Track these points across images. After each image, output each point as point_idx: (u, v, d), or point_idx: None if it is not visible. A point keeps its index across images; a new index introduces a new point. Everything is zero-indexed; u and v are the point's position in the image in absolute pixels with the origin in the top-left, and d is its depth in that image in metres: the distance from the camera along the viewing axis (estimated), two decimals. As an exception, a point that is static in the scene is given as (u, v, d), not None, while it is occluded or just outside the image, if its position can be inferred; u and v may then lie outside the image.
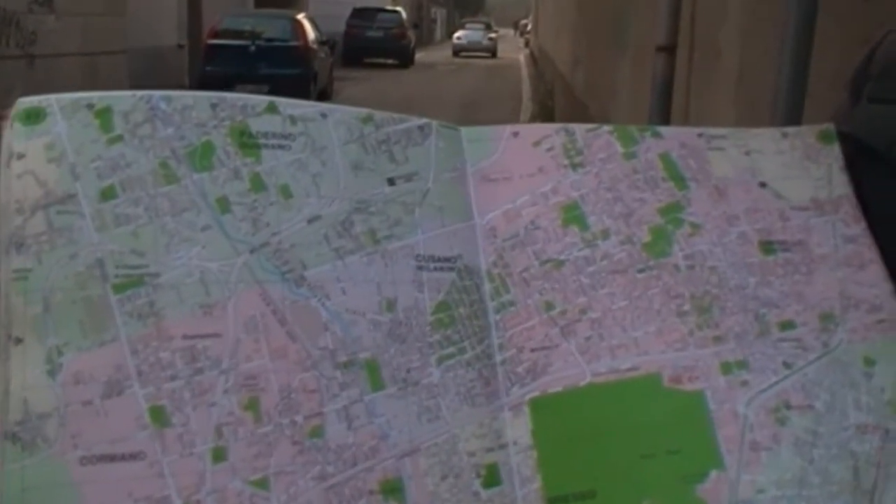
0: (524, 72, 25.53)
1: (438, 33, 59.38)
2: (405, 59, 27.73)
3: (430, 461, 0.57)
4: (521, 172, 0.65)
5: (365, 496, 0.55)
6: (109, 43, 10.81)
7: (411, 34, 29.64)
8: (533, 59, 28.25)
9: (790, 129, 0.72)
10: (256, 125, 0.59)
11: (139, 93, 0.58)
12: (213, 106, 0.58)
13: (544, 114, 14.22)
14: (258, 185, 0.58)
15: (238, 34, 14.38)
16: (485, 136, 0.66)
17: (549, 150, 0.67)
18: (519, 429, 0.59)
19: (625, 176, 0.67)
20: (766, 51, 2.18)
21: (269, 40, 14.37)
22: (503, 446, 0.59)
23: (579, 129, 0.68)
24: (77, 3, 10.08)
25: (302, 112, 0.61)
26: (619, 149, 0.68)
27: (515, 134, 0.67)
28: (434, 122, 0.65)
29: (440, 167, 0.64)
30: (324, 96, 15.49)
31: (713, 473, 0.59)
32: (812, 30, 1.97)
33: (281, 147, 0.59)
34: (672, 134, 0.69)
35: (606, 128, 0.69)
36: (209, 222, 0.56)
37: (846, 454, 0.60)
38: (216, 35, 14.32)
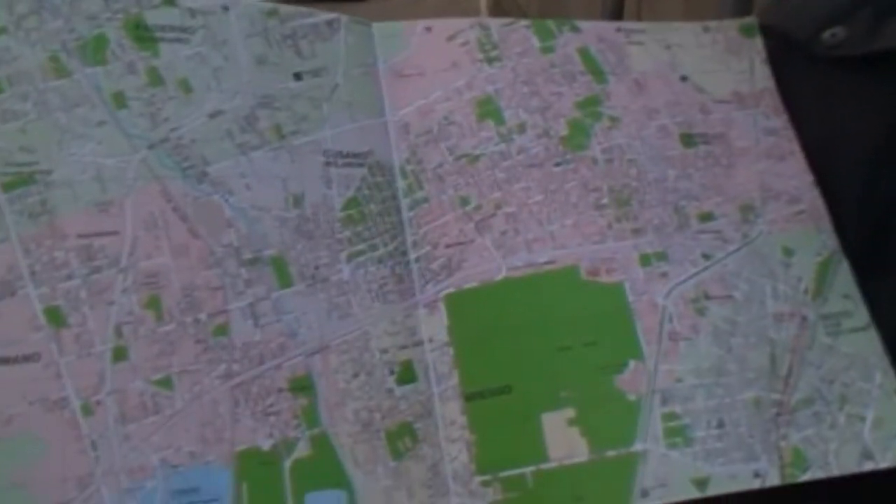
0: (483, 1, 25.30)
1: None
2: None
3: (340, 358, 0.56)
4: (435, 68, 0.64)
5: (273, 394, 0.54)
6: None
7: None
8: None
9: (712, 23, 0.70)
10: (153, 18, 0.57)
11: None
12: None
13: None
14: (156, 79, 0.56)
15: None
16: (397, 32, 0.64)
17: (464, 44, 0.65)
18: (434, 325, 0.58)
19: (542, 70, 0.65)
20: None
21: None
22: (418, 343, 0.58)
23: (494, 23, 0.66)
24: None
25: (202, 5, 0.58)
26: (536, 43, 0.66)
27: (428, 29, 0.65)
28: (343, 17, 0.63)
29: (350, 62, 0.62)
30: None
31: (631, 364, 0.58)
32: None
33: (179, 40, 0.57)
34: (590, 28, 0.68)
35: (523, 22, 0.67)
36: (104, 118, 0.54)
37: (764, 342, 0.60)
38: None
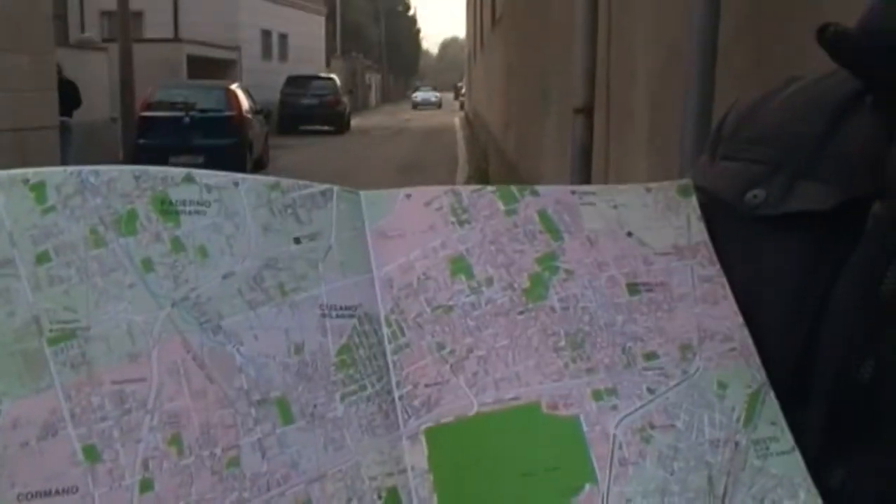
0: (459, 135, 25.80)
1: (374, 98, 59.75)
2: (340, 126, 27.91)
3: (336, 485, 0.64)
4: (414, 230, 0.74)
5: None
6: (40, 118, 10.77)
7: (346, 100, 29.87)
8: (468, 122, 28.63)
9: (653, 185, 0.81)
10: (175, 194, 0.67)
11: (70, 168, 0.65)
12: (137, 178, 0.66)
13: (479, 175, 14.42)
14: (178, 246, 0.66)
15: (171, 105, 14.41)
16: (382, 199, 0.75)
17: (439, 209, 0.75)
18: (416, 455, 0.67)
19: (506, 230, 0.75)
20: (671, 110, 2.31)
21: (203, 111, 14.41)
22: (402, 471, 0.66)
23: (465, 190, 0.77)
24: (6, 78, 10.05)
25: (216, 181, 0.69)
26: (501, 207, 0.76)
27: (408, 196, 0.75)
28: (335, 188, 0.73)
29: (341, 227, 0.72)
30: (259, 165, 15.56)
31: (587, 487, 0.67)
32: (712, 90, 2.11)
33: (198, 213, 0.67)
34: (548, 192, 0.78)
35: (489, 188, 0.77)
36: (134, 281, 0.64)
37: (702, 465, 0.68)
38: (148, 107, 14.33)
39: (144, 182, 0.66)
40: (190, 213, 0.67)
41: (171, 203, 0.67)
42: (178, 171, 0.68)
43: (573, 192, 0.79)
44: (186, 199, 0.67)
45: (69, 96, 12.42)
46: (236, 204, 0.69)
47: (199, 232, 0.67)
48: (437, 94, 60.25)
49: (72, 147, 12.18)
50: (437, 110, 51.86)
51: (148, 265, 0.64)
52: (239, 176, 0.70)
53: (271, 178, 0.71)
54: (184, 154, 12.79)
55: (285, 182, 0.72)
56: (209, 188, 0.68)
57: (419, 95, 58.50)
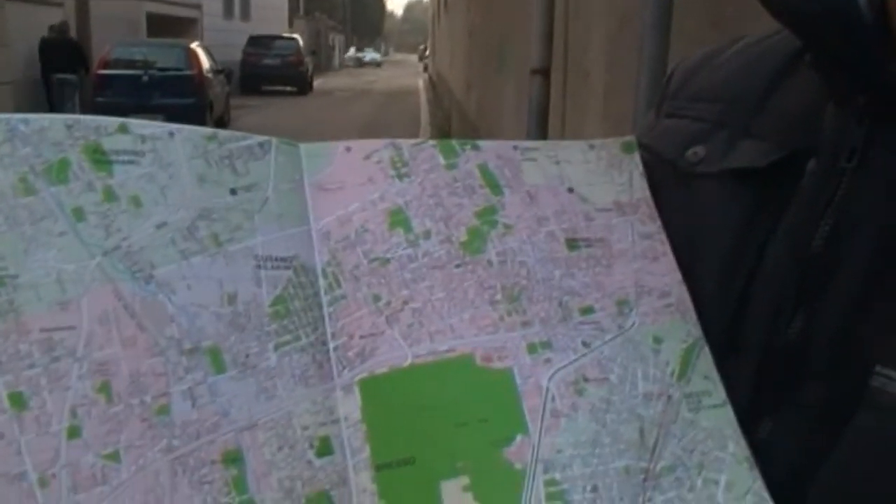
0: (423, 97, 25.70)
1: (337, 59, 59.33)
2: (303, 86, 27.73)
3: (267, 434, 0.64)
4: (353, 182, 0.74)
5: (207, 465, 0.62)
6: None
7: (309, 61, 29.65)
8: (431, 84, 28.52)
9: (596, 142, 0.81)
10: (109, 144, 0.66)
11: None
12: (69, 127, 0.65)
13: (441, 136, 14.42)
14: (110, 196, 0.65)
15: (130, 64, 14.21)
16: (321, 151, 0.74)
17: (378, 162, 0.75)
18: (349, 406, 0.67)
19: (446, 184, 0.75)
20: (627, 71, 2.31)
21: (162, 70, 14.23)
22: (335, 421, 0.67)
23: (405, 143, 0.77)
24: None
25: (151, 131, 0.68)
26: (441, 160, 0.76)
27: (348, 149, 0.75)
28: (274, 139, 0.73)
29: (279, 179, 0.71)
30: (220, 125, 15.42)
31: (518, 438, 0.68)
32: (666, 52, 2.11)
33: (131, 162, 0.66)
34: (490, 147, 0.78)
35: (430, 142, 0.77)
36: (65, 229, 0.63)
37: (634, 418, 0.69)
38: (106, 65, 14.11)
39: (77, 131, 0.66)
40: (123, 162, 0.66)
41: (104, 153, 0.66)
42: (112, 121, 0.67)
43: (515, 148, 0.79)
44: (120, 148, 0.66)
45: (63, 53, 12.84)
46: (171, 154, 0.68)
47: (133, 182, 0.66)
48: (380, 56, 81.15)
49: (68, 103, 12.89)
50: (396, 70, 62.49)
51: (79, 214, 0.64)
52: (175, 126, 0.69)
53: (208, 129, 0.71)
54: (142, 113, 12.61)
55: (223, 133, 0.71)
56: (144, 138, 0.67)
57: (367, 56, 76.85)
